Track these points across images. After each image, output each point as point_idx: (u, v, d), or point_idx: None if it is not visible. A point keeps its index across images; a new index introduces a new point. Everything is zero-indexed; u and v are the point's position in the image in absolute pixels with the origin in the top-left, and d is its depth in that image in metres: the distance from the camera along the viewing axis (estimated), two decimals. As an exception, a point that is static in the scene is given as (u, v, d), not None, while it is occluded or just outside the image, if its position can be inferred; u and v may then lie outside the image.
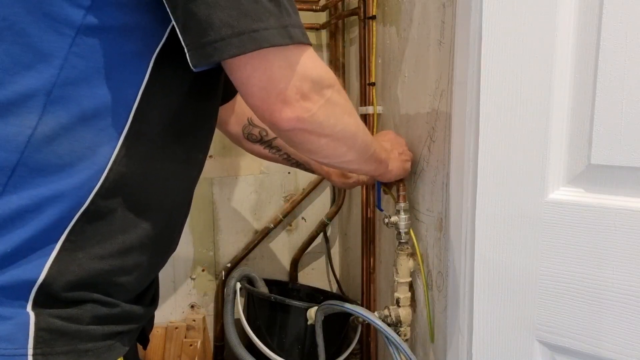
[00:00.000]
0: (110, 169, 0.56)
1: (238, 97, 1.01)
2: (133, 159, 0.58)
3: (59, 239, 0.55)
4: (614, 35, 0.55)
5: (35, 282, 0.54)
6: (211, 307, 1.61)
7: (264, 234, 1.60)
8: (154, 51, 0.56)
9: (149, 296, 0.71)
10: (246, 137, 1.05)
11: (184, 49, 0.52)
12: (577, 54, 0.58)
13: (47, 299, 0.55)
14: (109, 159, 0.56)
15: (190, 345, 1.47)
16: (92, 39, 0.52)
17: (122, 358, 0.63)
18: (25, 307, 0.54)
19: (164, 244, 0.68)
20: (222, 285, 1.56)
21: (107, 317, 0.60)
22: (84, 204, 0.55)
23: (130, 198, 0.59)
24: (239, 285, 1.37)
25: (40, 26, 0.51)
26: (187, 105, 0.62)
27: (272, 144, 1.06)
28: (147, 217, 0.61)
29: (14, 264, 0.54)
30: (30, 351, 0.53)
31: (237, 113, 1.03)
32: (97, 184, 0.56)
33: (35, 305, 0.55)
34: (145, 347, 0.81)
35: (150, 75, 0.56)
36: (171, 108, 0.60)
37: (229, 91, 1.00)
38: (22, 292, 0.54)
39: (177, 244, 0.75)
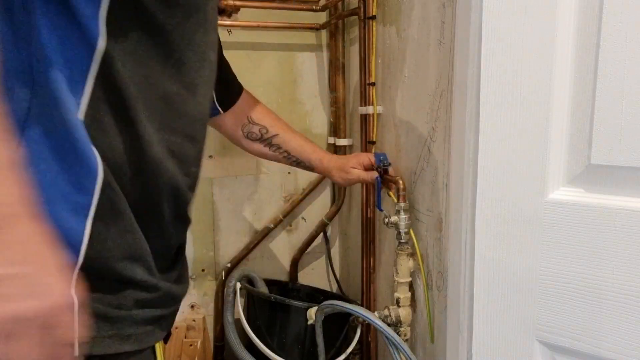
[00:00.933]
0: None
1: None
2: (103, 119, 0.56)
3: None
4: (614, 35, 0.55)
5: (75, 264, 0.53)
6: (211, 307, 1.61)
7: (264, 234, 1.60)
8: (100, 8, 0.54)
9: (175, 273, 0.71)
10: (246, 136, 1.05)
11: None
12: (577, 54, 0.58)
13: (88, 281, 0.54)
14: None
15: (190, 345, 1.47)
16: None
17: (160, 342, 0.64)
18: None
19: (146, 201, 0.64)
20: (222, 285, 1.56)
21: (146, 301, 0.61)
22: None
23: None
24: (239, 285, 1.37)
25: None
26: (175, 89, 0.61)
27: (272, 142, 1.06)
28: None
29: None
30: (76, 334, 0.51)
31: (236, 112, 1.03)
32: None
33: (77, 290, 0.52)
34: (166, 342, 0.82)
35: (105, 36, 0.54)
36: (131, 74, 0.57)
37: (229, 99, 1.01)
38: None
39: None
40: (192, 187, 0.71)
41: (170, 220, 0.66)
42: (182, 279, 0.73)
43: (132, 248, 0.58)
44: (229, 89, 1.01)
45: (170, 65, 0.60)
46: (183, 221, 0.71)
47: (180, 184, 0.66)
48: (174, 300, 0.68)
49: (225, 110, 1.01)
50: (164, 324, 0.66)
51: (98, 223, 0.54)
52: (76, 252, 0.53)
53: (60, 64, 0.53)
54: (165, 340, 0.80)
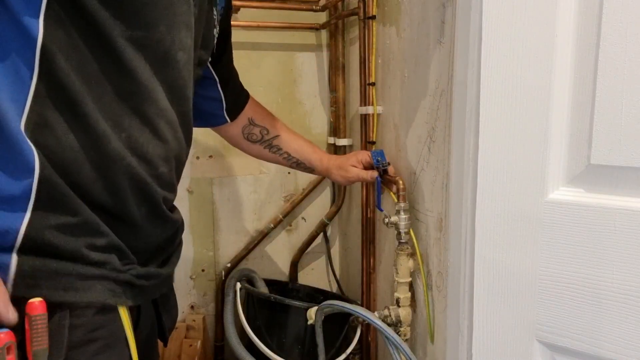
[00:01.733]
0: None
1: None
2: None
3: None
4: (614, 35, 0.55)
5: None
6: (211, 307, 1.61)
7: (264, 234, 1.60)
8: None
9: (154, 265, 0.71)
10: (246, 138, 1.05)
11: None
12: (577, 54, 0.58)
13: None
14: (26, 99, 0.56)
15: (190, 345, 1.47)
16: None
17: (124, 310, 0.64)
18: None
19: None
20: (222, 285, 1.56)
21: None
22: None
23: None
24: (239, 285, 1.37)
25: None
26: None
27: (272, 144, 1.06)
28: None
29: None
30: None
31: None
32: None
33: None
34: (165, 345, 0.82)
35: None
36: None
37: (237, 108, 1.01)
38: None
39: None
40: (168, 187, 0.71)
41: (143, 218, 0.67)
42: (165, 265, 0.74)
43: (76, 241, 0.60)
44: (238, 100, 1.01)
45: (121, 64, 0.61)
46: (163, 221, 0.71)
47: (149, 183, 0.66)
48: (153, 276, 0.69)
49: (232, 119, 1.01)
50: (135, 291, 0.66)
51: (39, 212, 0.57)
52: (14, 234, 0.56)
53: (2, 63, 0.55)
54: (165, 342, 0.80)
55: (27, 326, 0.55)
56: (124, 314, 0.64)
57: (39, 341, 0.55)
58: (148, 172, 0.65)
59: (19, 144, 0.56)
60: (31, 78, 0.56)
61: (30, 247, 0.57)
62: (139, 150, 0.64)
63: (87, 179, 0.60)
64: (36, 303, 0.55)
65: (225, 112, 0.98)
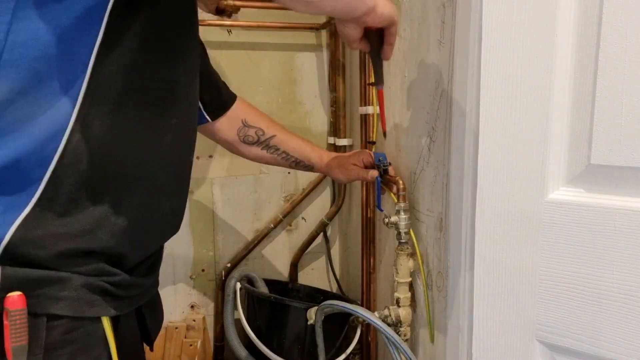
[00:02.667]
0: (72, 132, 0.56)
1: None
2: (93, 122, 0.57)
3: (29, 202, 0.56)
4: (614, 35, 0.55)
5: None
6: (211, 307, 1.61)
7: (264, 234, 1.60)
8: (107, 6, 0.55)
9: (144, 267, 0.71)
10: (242, 140, 1.04)
11: (138, 3, 0.53)
12: (577, 54, 0.58)
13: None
14: (68, 122, 0.55)
15: (190, 345, 1.47)
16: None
17: (107, 318, 0.63)
18: None
19: (140, 215, 0.66)
20: (222, 285, 1.56)
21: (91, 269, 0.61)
22: (47, 167, 0.55)
23: (96, 164, 0.58)
24: (239, 285, 1.37)
25: None
26: (145, 65, 0.60)
27: (269, 144, 1.06)
28: (115, 185, 0.61)
29: None
30: None
31: (230, 117, 1.02)
32: (58, 147, 0.55)
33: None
34: (151, 349, 0.81)
35: (104, 32, 0.55)
36: (127, 68, 0.58)
37: (218, 107, 1.00)
38: None
39: (170, 218, 0.72)
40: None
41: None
42: (149, 273, 0.73)
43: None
44: (218, 98, 1.00)
45: None
46: None
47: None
48: (134, 285, 0.68)
49: (214, 118, 1.00)
50: (117, 302, 0.64)
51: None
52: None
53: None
54: (150, 346, 0.79)
55: (5, 321, 0.53)
56: (105, 318, 0.63)
57: (19, 337, 0.53)
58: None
59: None
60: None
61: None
62: (174, 143, 0.66)
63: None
64: (15, 297, 0.53)
65: (204, 111, 0.98)
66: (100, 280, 0.62)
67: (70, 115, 0.56)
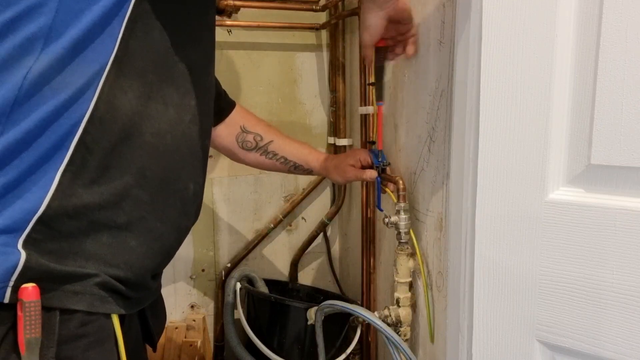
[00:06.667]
0: (99, 98, 0.59)
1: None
2: (119, 92, 0.60)
3: (58, 169, 0.58)
4: (614, 35, 0.55)
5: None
6: (211, 307, 1.61)
7: (264, 234, 1.60)
8: None
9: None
10: (241, 146, 1.05)
11: None
12: (577, 54, 0.58)
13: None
14: (97, 89, 0.59)
15: (190, 345, 1.47)
16: None
17: (116, 316, 0.64)
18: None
19: (162, 190, 0.68)
20: (222, 285, 1.56)
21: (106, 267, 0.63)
22: (76, 132, 0.58)
23: (122, 132, 0.61)
24: (239, 285, 1.37)
25: None
26: (169, 45, 0.64)
27: (267, 149, 1.06)
28: (139, 154, 0.63)
29: (16, 196, 0.56)
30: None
31: (229, 124, 1.03)
32: (85, 114, 0.58)
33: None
34: (154, 350, 0.81)
35: (133, 6, 0.59)
36: (154, 44, 0.62)
37: (221, 110, 1.00)
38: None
39: (191, 200, 0.74)
40: None
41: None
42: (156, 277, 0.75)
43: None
44: (217, 104, 1.00)
45: None
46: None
47: None
48: (142, 286, 0.69)
49: (213, 125, 0.99)
50: (126, 302, 0.66)
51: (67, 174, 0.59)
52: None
53: None
54: (153, 347, 0.80)
55: (19, 312, 0.53)
56: (114, 316, 0.64)
57: (32, 329, 0.53)
58: None
59: None
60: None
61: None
62: (192, 125, 0.69)
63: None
64: (30, 289, 0.53)
65: None
66: (113, 279, 0.63)
67: (98, 85, 0.59)
